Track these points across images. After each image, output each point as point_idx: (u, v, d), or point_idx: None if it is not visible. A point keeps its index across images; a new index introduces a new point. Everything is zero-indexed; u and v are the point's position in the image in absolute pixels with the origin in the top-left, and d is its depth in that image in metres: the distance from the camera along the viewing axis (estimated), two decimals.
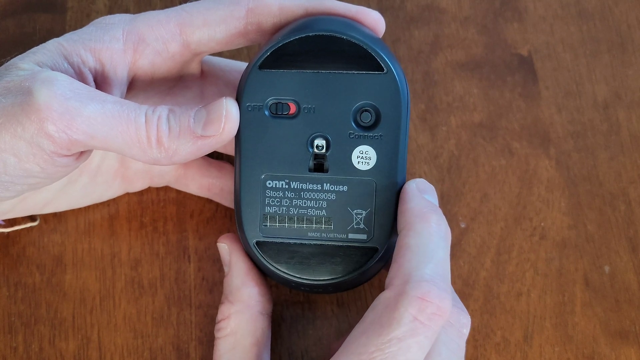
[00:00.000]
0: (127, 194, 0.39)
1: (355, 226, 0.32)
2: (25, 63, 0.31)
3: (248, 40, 0.34)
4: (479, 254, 0.39)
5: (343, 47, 0.32)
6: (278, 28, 0.33)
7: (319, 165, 0.32)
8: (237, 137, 0.32)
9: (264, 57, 0.32)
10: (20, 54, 0.32)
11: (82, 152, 0.31)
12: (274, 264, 0.32)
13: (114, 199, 0.39)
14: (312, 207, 0.32)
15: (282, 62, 0.32)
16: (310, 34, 0.32)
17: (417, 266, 0.29)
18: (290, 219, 0.32)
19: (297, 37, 0.32)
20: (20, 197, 0.34)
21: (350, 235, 0.32)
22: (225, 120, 0.30)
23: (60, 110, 0.29)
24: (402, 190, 0.32)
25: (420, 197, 0.31)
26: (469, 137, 0.41)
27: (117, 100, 0.30)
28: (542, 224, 0.39)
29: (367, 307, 0.30)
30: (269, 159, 0.32)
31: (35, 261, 0.38)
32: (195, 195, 0.39)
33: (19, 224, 0.38)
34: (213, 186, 0.38)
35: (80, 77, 0.32)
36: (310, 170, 0.32)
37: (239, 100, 0.32)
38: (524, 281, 0.38)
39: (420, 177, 0.40)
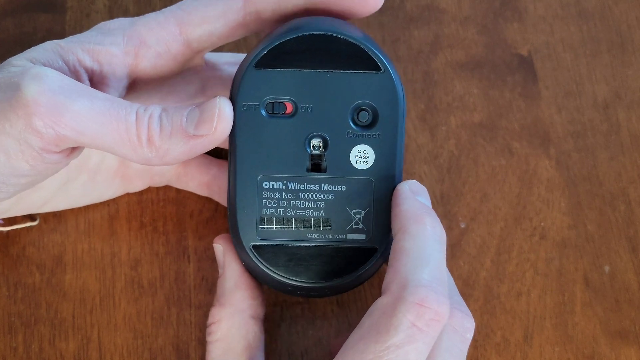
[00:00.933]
0: (127, 193, 0.39)
1: (354, 226, 0.32)
2: (19, 60, 0.31)
3: (249, 31, 0.33)
4: (479, 254, 0.39)
5: (340, 46, 0.31)
6: (278, 16, 0.33)
7: (316, 165, 0.32)
8: (232, 137, 0.32)
9: (260, 56, 0.32)
10: (19, 53, 0.32)
11: (72, 149, 0.31)
12: (271, 268, 0.32)
13: (113, 199, 0.39)
14: (310, 208, 0.32)
15: (278, 61, 0.32)
16: (307, 33, 0.31)
17: (414, 271, 0.28)
18: (288, 220, 0.32)
19: (293, 37, 0.31)
20: (18, 196, 0.34)
21: (349, 236, 0.32)
22: (218, 119, 0.30)
23: (48, 105, 0.28)
24: (394, 193, 0.31)
25: (414, 198, 0.31)
26: (469, 137, 0.41)
27: (108, 97, 0.30)
28: (542, 224, 0.39)
29: (367, 307, 0.29)
30: (266, 160, 0.32)
31: (35, 261, 0.38)
32: (195, 195, 0.39)
33: (19, 223, 0.38)
34: (213, 184, 0.38)
35: (75, 75, 0.32)
36: (308, 171, 0.32)
37: (233, 99, 0.32)
38: (524, 281, 0.38)
39: (420, 177, 0.40)
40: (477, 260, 0.39)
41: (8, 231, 0.38)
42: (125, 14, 0.43)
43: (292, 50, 0.31)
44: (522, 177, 0.40)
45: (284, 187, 0.32)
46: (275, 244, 0.32)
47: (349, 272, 0.32)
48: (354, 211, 0.32)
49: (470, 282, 0.38)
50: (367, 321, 0.29)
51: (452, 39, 0.43)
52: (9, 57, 0.32)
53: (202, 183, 0.38)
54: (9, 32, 0.43)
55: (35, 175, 0.31)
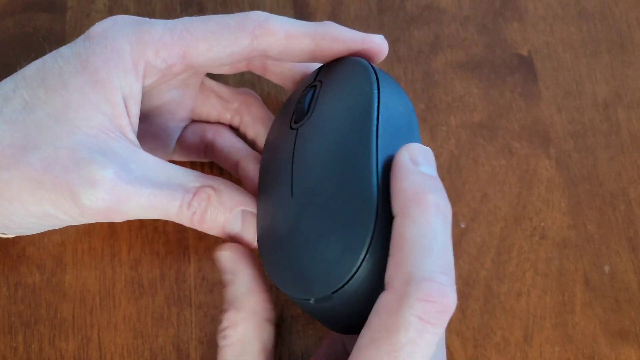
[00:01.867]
0: None
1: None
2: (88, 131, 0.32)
3: (252, 67, 0.35)
4: (479, 254, 0.39)
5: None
6: (285, 56, 0.33)
7: None
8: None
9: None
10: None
11: None
12: None
13: None
14: None
15: None
16: None
17: (416, 262, 0.27)
18: None
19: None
20: None
21: None
22: (248, 242, 0.34)
23: (102, 209, 0.31)
24: (393, 164, 0.29)
25: (415, 172, 0.29)
26: (469, 137, 0.41)
27: (160, 183, 0.32)
28: (542, 224, 0.39)
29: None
30: None
31: (35, 261, 0.38)
32: None
33: None
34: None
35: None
36: None
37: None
38: (524, 281, 0.38)
39: None
40: (477, 260, 0.39)
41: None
42: (125, 13, 0.43)
43: None
44: (522, 177, 0.40)
45: None
46: None
47: None
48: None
49: (470, 282, 0.38)
50: (374, 321, 0.28)
51: (452, 39, 0.43)
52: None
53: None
54: (9, 32, 0.43)
55: (73, 223, 0.34)
